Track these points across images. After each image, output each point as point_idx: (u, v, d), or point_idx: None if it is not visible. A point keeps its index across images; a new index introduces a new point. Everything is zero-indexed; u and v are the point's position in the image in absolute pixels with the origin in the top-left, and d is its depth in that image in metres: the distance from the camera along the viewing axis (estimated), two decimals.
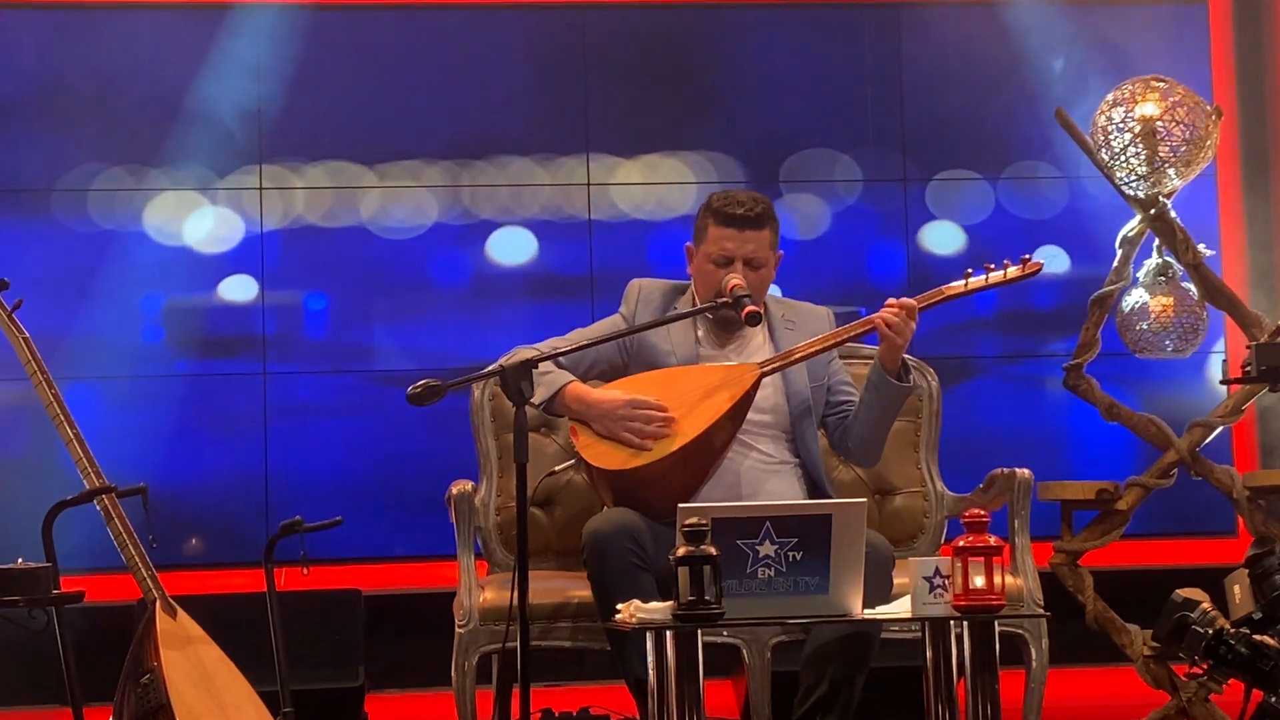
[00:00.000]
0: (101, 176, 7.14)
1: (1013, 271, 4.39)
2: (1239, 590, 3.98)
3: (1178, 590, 3.88)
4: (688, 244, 4.51)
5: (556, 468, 4.55)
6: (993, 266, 4.39)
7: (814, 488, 4.43)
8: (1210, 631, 3.73)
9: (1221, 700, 4.68)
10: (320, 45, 7.29)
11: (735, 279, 4.36)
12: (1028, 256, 4.39)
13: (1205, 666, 4.13)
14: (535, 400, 4.24)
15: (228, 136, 7.19)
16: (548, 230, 7.36)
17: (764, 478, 4.35)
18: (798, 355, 4.37)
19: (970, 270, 4.39)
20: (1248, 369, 4.71)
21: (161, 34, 7.18)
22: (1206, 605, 3.79)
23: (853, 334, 4.37)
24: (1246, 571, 3.98)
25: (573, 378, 4.37)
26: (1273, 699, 3.71)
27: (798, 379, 4.45)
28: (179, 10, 7.24)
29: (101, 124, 7.15)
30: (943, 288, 4.39)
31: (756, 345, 4.49)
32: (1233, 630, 3.74)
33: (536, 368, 4.05)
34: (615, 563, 4.07)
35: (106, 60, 7.14)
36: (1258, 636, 3.73)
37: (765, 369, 4.33)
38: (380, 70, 7.33)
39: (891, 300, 4.31)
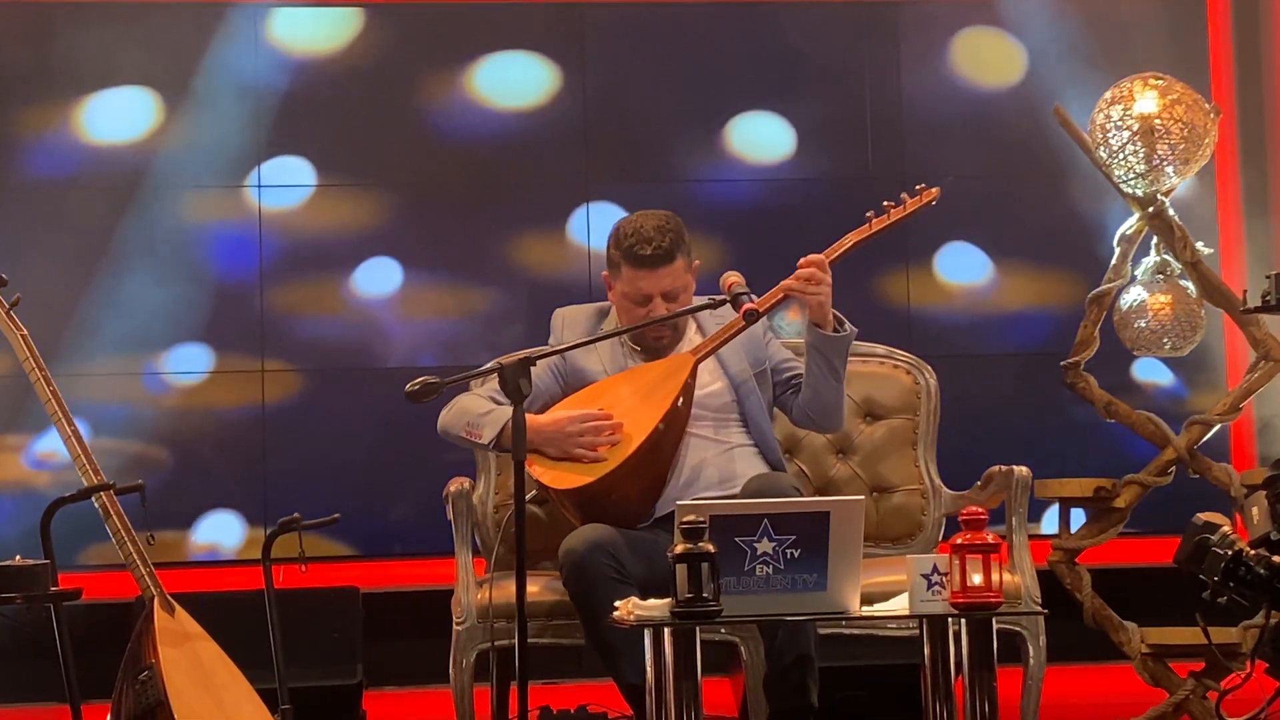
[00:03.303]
0: (101, 170, 7.13)
1: (911, 203, 4.45)
2: (1257, 512, 4.01)
3: (1199, 514, 3.90)
4: (604, 273, 4.53)
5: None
6: (891, 204, 4.44)
7: (772, 469, 4.44)
8: (1230, 553, 3.75)
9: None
10: (318, 41, 7.29)
11: (733, 276, 4.37)
12: (923, 185, 4.46)
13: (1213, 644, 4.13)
14: (484, 440, 4.31)
15: (229, 131, 7.18)
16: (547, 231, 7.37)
17: (725, 463, 4.37)
18: (727, 334, 4.39)
19: (871, 212, 4.43)
20: (1268, 298, 4.69)
21: (161, 28, 7.17)
22: (1227, 529, 3.82)
23: (772, 303, 4.36)
24: (1264, 493, 4.01)
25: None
26: None
27: (735, 362, 4.48)
28: (178, 7, 7.24)
29: (101, 116, 7.15)
30: (846, 236, 4.43)
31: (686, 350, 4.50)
32: (1252, 552, 3.77)
33: (445, 417, 4.09)
34: (596, 580, 4.08)
35: (106, 52, 7.13)
36: (1277, 557, 3.76)
37: (699, 355, 4.36)
38: (384, 68, 7.32)
39: (801, 260, 4.34)
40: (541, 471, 4.31)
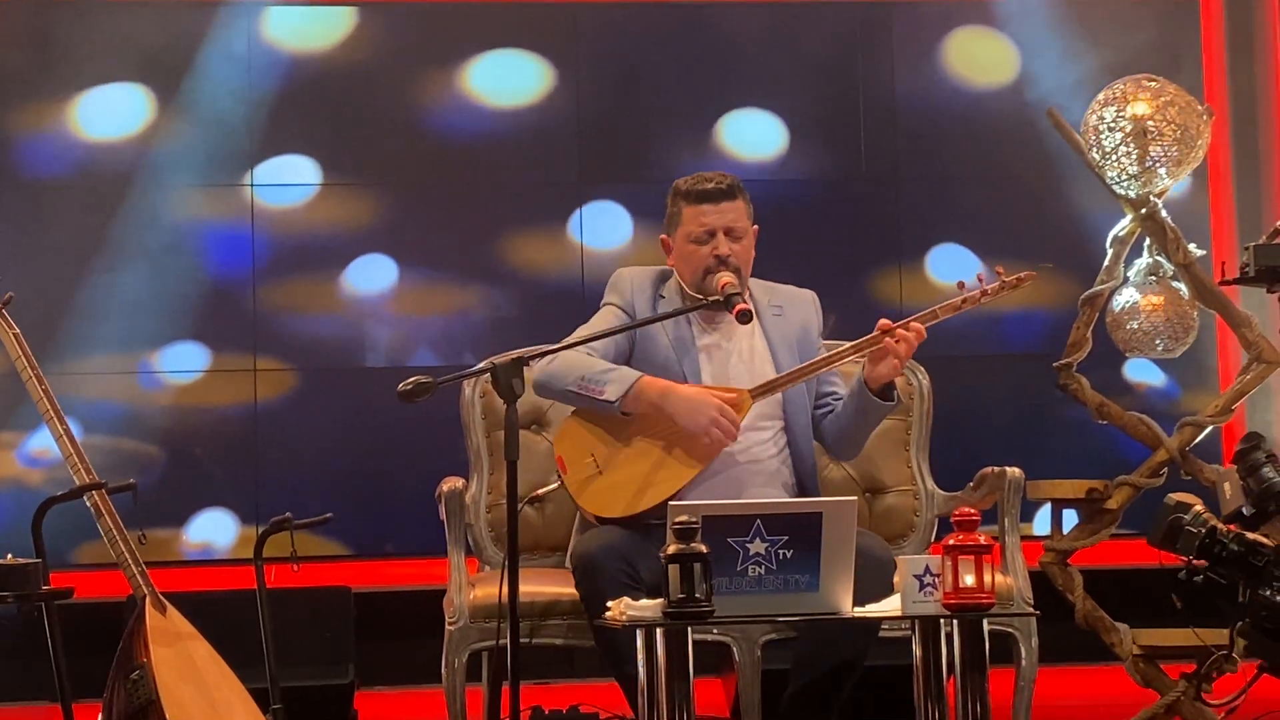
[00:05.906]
0: (95, 170, 7.12)
1: (1009, 280, 4.41)
2: (1229, 488, 4.02)
3: (1170, 495, 3.91)
4: (662, 235, 4.53)
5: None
6: (984, 278, 4.40)
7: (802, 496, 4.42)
8: (1203, 531, 3.77)
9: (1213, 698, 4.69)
10: (311, 40, 7.29)
11: (726, 277, 4.36)
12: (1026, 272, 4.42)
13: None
14: (609, 398, 4.24)
15: (222, 129, 7.17)
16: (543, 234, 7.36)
17: (753, 482, 4.34)
18: (786, 380, 4.37)
19: (963, 283, 4.39)
20: (1245, 269, 4.68)
21: (155, 26, 7.16)
22: (1199, 508, 3.83)
23: (855, 351, 4.36)
24: (1235, 469, 4.01)
25: (640, 373, 4.33)
26: (1265, 592, 3.75)
27: (796, 390, 4.45)
28: (173, 5, 7.24)
29: (95, 114, 7.14)
30: (935, 309, 4.38)
31: (745, 326, 4.47)
32: (1225, 529, 3.78)
33: (548, 369, 4.04)
34: (608, 585, 4.03)
35: (100, 49, 7.12)
36: (1250, 534, 3.77)
37: (757, 395, 4.33)
38: (377, 67, 7.31)
39: (900, 326, 4.30)
40: (578, 489, 4.30)
